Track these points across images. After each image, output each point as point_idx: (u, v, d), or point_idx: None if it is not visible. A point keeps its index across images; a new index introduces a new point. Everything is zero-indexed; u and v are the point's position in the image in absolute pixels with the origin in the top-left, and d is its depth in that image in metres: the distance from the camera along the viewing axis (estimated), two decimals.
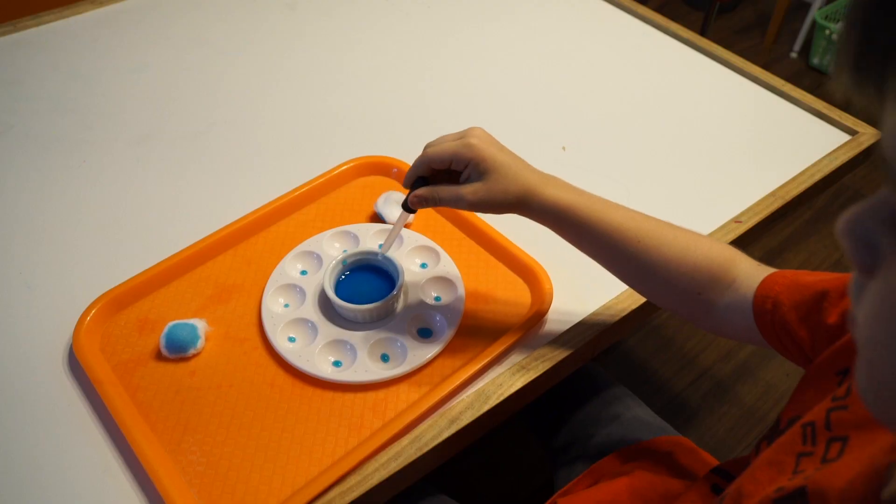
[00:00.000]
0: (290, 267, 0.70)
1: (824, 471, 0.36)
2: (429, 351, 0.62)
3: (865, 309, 0.25)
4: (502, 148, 0.57)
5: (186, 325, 0.63)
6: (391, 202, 0.75)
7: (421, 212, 0.76)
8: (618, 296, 0.68)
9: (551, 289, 0.67)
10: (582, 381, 0.81)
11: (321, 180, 0.78)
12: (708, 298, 0.56)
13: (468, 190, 0.55)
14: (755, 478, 0.41)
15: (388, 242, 0.65)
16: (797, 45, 2.30)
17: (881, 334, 0.25)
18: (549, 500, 0.66)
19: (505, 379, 0.62)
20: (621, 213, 0.56)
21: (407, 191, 0.60)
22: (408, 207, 0.60)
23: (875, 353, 0.25)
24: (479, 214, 0.74)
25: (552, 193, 0.55)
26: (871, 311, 0.25)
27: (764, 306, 0.52)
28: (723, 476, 0.55)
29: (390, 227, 0.73)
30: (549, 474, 0.78)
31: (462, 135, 0.56)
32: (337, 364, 0.62)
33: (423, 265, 0.71)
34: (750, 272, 0.55)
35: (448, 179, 0.58)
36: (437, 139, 0.58)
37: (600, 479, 0.68)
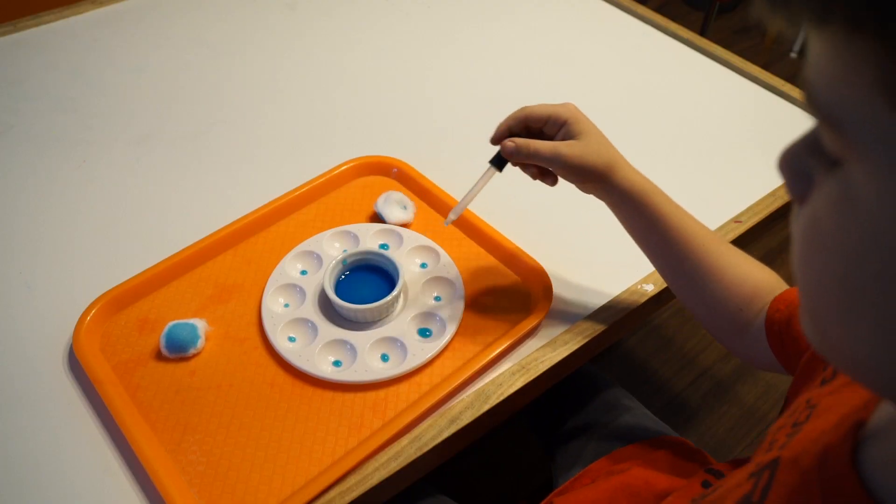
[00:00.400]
0: (290, 267, 0.70)
1: (795, 437, 0.36)
2: (429, 351, 0.62)
3: (795, 235, 0.26)
4: (594, 125, 0.58)
5: (186, 324, 0.63)
6: (391, 202, 0.75)
7: (421, 212, 0.76)
8: (617, 296, 0.68)
9: (551, 289, 0.67)
10: (582, 382, 0.81)
11: (321, 180, 0.78)
12: (745, 318, 0.55)
13: (566, 144, 0.55)
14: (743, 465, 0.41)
15: (465, 203, 0.60)
16: (797, 46, 2.30)
17: (808, 257, 0.26)
18: (546, 500, 0.66)
19: (505, 379, 0.62)
20: (693, 219, 0.57)
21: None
22: (497, 162, 0.58)
23: (805, 279, 0.26)
24: (479, 215, 0.74)
25: (632, 174, 0.57)
26: (799, 237, 0.26)
27: (777, 320, 0.52)
28: (715, 475, 0.55)
29: (391, 227, 0.73)
30: (548, 475, 0.78)
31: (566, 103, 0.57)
32: (337, 364, 0.62)
33: (423, 265, 0.71)
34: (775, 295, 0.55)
35: None
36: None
37: (597, 478, 0.68)
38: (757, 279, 0.56)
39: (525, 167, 0.60)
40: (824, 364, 0.42)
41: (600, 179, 0.57)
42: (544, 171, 0.60)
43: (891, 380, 0.25)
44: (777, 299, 0.54)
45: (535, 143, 0.56)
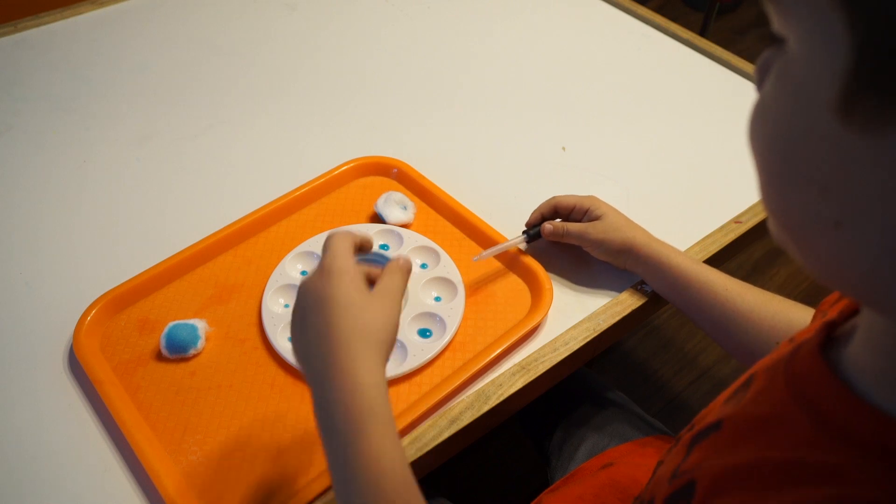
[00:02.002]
0: (290, 267, 0.70)
1: (735, 400, 0.37)
2: (429, 351, 0.62)
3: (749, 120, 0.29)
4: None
5: (186, 325, 0.63)
6: (391, 202, 0.75)
7: (421, 212, 0.76)
8: (617, 297, 0.68)
9: (551, 289, 0.67)
10: (578, 386, 0.81)
11: (321, 180, 0.78)
12: None
13: (591, 225, 0.67)
14: None
15: (490, 254, 0.69)
16: None
17: (754, 131, 0.28)
18: (536, 500, 0.66)
19: (505, 379, 0.62)
20: (708, 269, 0.63)
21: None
22: (530, 235, 0.70)
23: (754, 154, 0.29)
24: (480, 214, 0.74)
25: (655, 244, 0.65)
26: (750, 115, 0.28)
27: None
28: None
29: (391, 227, 0.73)
30: (544, 479, 0.78)
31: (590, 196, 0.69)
32: None
33: (424, 265, 0.71)
34: None
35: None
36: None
37: (586, 476, 0.68)
38: (792, 316, 0.58)
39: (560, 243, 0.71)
40: None
41: (623, 252, 0.65)
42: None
43: (812, 233, 0.27)
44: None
45: (568, 225, 0.68)
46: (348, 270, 0.46)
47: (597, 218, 0.66)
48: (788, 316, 0.58)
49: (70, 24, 1.06)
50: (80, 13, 1.08)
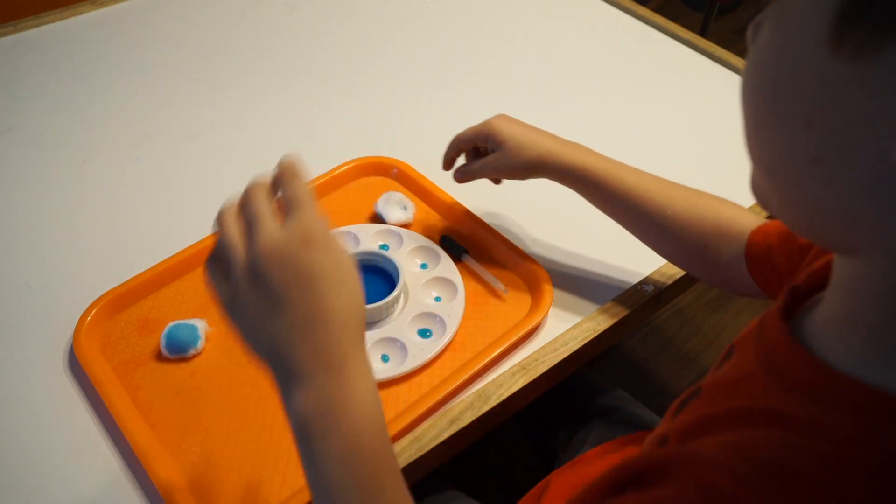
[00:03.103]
0: None
1: (716, 371, 0.39)
2: (429, 351, 0.62)
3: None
4: (521, 124, 0.65)
5: (187, 325, 0.63)
6: (391, 203, 0.75)
7: (421, 212, 0.76)
8: (617, 297, 0.68)
9: (551, 289, 0.67)
10: (580, 386, 0.80)
11: (321, 181, 0.78)
12: (714, 253, 0.59)
13: (492, 157, 0.65)
14: None
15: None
16: None
17: (744, 86, 0.30)
18: (544, 479, 0.66)
19: (505, 379, 0.62)
20: (635, 174, 0.62)
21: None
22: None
23: (743, 105, 0.30)
24: (479, 214, 0.74)
25: (570, 156, 0.62)
26: (744, 74, 0.30)
27: (756, 253, 0.56)
28: None
29: (391, 227, 0.73)
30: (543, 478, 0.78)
31: (486, 120, 0.66)
32: None
33: (424, 265, 0.71)
34: (752, 225, 0.58)
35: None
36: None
37: (594, 459, 0.67)
38: (716, 215, 0.59)
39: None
40: None
41: (533, 172, 0.64)
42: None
43: (793, 171, 0.28)
44: (754, 232, 0.57)
45: (472, 165, 0.67)
46: (332, 237, 0.39)
47: (498, 147, 0.64)
48: (717, 215, 0.59)
49: (70, 24, 1.06)
50: (80, 13, 1.08)
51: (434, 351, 0.62)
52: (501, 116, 0.66)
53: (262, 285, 0.38)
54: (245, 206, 0.41)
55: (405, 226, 0.74)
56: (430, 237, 0.72)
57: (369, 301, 0.63)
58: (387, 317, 0.65)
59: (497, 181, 0.71)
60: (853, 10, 0.24)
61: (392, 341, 0.63)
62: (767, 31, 0.28)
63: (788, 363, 0.32)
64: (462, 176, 0.68)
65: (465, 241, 0.73)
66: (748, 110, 0.30)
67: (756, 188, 0.32)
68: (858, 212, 0.26)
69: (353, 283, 0.40)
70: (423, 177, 0.78)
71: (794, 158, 0.27)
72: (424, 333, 0.64)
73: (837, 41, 0.24)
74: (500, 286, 0.68)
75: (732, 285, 0.60)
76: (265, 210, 0.40)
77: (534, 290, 0.68)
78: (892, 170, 0.24)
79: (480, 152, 0.68)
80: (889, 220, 0.26)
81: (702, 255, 0.60)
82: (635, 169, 0.62)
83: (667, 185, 0.61)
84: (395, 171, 0.80)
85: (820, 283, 0.36)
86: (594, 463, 0.66)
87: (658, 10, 1.11)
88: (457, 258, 0.71)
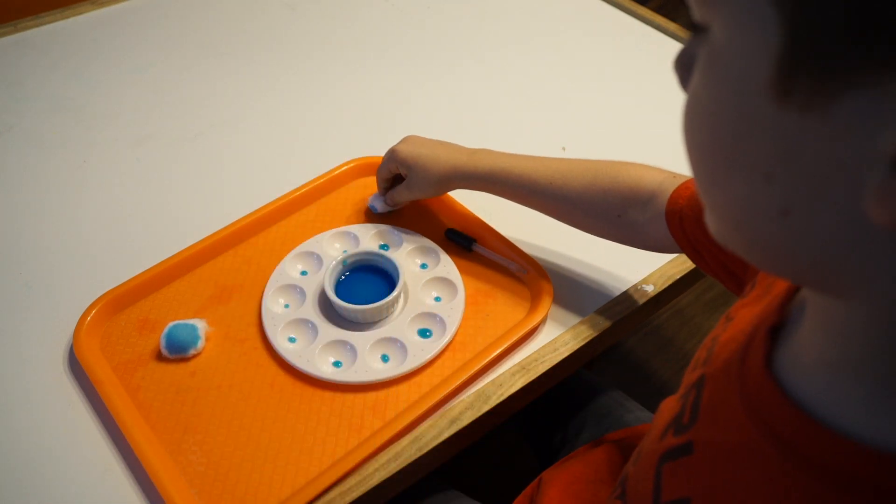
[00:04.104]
0: (290, 267, 0.70)
1: (714, 350, 0.36)
2: (429, 351, 0.62)
3: (682, 116, 0.27)
4: (424, 143, 0.69)
5: (186, 325, 0.63)
6: (378, 196, 0.76)
7: (421, 212, 0.76)
8: (617, 297, 0.68)
9: (551, 289, 0.67)
10: (578, 387, 0.81)
11: (321, 181, 0.78)
12: (630, 219, 0.60)
13: (405, 185, 0.71)
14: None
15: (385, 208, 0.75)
16: None
17: (689, 126, 0.27)
18: (538, 477, 0.66)
19: (505, 379, 0.62)
20: (535, 162, 0.65)
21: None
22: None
23: (690, 150, 0.27)
24: (479, 214, 0.74)
25: (473, 164, 0.66)
26: (683, 113, 0.27)
27: (674, 220, 0.56)
28: None
29: (391, 227, 0.73)
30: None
31: (391, 148, 0.71)
32: (337, 364, 0.62)
33: (423, 265, 0.71)
34: (667, 186, 0.58)
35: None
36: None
37: (583, 453, 0.68)
38: (619, 182, 0.60)
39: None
40: (751, 286, 0.42)
41: (445, 186, 0.69)
42: None
43: (758, 226, 0.25)
44: (669, 207, 0.57)
45: (390, 194, 0.73)
46: None
47: (407, 171, 0.69)
48: (619, 182, 0.60)
49: (70, 24, 1.06)
50: (80, 13, 1.08)
51: (434, 351, 0.62)
52: (406, 140, 0.70)
53: None
54: None
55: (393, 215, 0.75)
56: (430, 237, 0.72)
57: (369, 301, 0.63)
58: (387, 317, 0.65)
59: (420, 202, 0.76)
60: (795, 59, 0.21)
61: (392, 341, 0.63)
62: (699, 76, 0.25)
63: (798, 436, 0.28)
64: (395, 205, 0.74)
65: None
66: (697, 159, 0.27)
67: (718, 236, 0.28)
68: (838, 258, 0.24)
69: None
70: None
71: (756, 211, 0.25)
72: (424, 333, 0.64)
73: (784, 92, 0.21)
74: (515, 267, 0.69)
75: (659, 246, 0.61)
76: None
77: (533, 290, 0.68)
78: (865, 215, 0.21)
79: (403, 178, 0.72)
80: (876, 264, 0.23)
81: (619, 223, 0.61)
82: (537, 157, 0.65)
83: (567, 165, 0.63)
84: None
85: (784, 311, 0.33)
86: (582, 459, 0.66)
87: (658, 10, 1.11)
88: (467, 248, 0.71)
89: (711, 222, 0.28)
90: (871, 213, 0.21)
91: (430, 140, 0.70)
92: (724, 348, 0.35)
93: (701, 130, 0.26)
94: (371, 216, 0.76)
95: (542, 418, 0.80)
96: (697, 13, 0.25)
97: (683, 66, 0.27)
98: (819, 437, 0.27)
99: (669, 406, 0.39)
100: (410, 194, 0.71)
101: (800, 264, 0.26)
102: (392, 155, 0.70)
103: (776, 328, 0.32)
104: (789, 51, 0.21)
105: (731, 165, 0.25)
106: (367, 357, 0.62)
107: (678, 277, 0.70)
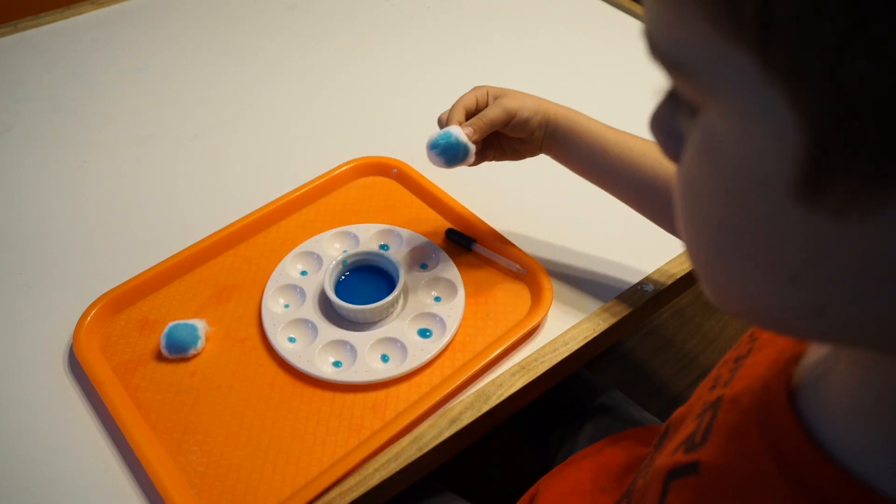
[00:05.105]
0: (290, 267, 0.70)
1: (737, 373, 0.35)
2: (429, 351, 0.62)
3: (675, 196, 0.25)
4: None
5: (186, 325, 0.63)
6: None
7: (421, 212, 0.76)
8: (617, 296, 0.68)
9: (551, 289, 0.67)
10: (578, 387, 0.81)
11: (321, 181, 0.78)
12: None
13: (498, 103, 0.62)
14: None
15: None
16: None
17: (687, 212, 0.25)
18: (534, 486, 0.66)
19: (505, 379, 0.62)
20: (623, 134, 0.63)
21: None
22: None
23: (689, 236, 0.25)
24: (479, 214, 0.74)
25: (564, 111, 0.64)
26: (678, 195, 0.25)
27: None
28: None
29: (391, 227, 0.73)
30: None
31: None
32: (337, 364, 0.62)
33: (424, 265, 0.71)
34: None
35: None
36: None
37: (580, 459, 0.68)
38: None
39: (484, 154, 0.65)
40: None
41: (538, 116, 0.62)
42: (501, 149, 0.66)
43: (788, 321, 0.23)
44: None
45: (481, 115, 0.62)
46: None
47: (499, 96, 0.63)
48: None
49: (70, 24, 1.06)
50: (80, 13, 1.08)
51: (434, 351, 0.62)
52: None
53: None
54: None
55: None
56: (430, 237, 0.72)
57: (369, 301, 0.63)
58: (387, 317, 0.65)
59: (497, 157, 0.67)
60: (825, 170, 0.18)
61: (392, 341, 0.63)
62: (696, 158, 0.23)
63: (821, 481, 0.26)
64: (476, 130, 0.62)
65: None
66: (695, 245, 0.25)
67: (729, 313, 0.26)
68: (887, 328, 0.21)
69: None
70: (423, 177, 0.78)
71: (785, 310, 0.23)
72: (424, 333, 0.64)
73: (811, 200, 0.19)
74: (516, 267, 0.68)
75: None
76: None
77: (533, 289, 0.68)
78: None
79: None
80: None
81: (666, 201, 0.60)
82: (625, 133, 0.64)
83: (654, 146, 0.63)
84: (395, 171, 0.80)
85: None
86: (580, 464, 0.66)
87: None
88: (467, 248, 0.71)
89: (718, 302, 0.26)
90: None
91: None
92: (747, 374, 0.34)
93: (706, 221, 0.23)
94: (371, 218, 0.76)
95: (542, 418, 0.80)
96: (683, 89, 0.23)
97: (667, 135, 0.25)
98: (845, 485, 0.25)
99: (685, 422, 0.38)
100: (500, 109, 0.61)
101: (844, 342, 0.24)
102: (483, 87, 0.64)
103: (799, 356, 0.31)
104: (816, 161, 0.18)
105: (747, 260, 0.22)
106: (367, 357, 0.62)
107: (678, 277, 0.70)
